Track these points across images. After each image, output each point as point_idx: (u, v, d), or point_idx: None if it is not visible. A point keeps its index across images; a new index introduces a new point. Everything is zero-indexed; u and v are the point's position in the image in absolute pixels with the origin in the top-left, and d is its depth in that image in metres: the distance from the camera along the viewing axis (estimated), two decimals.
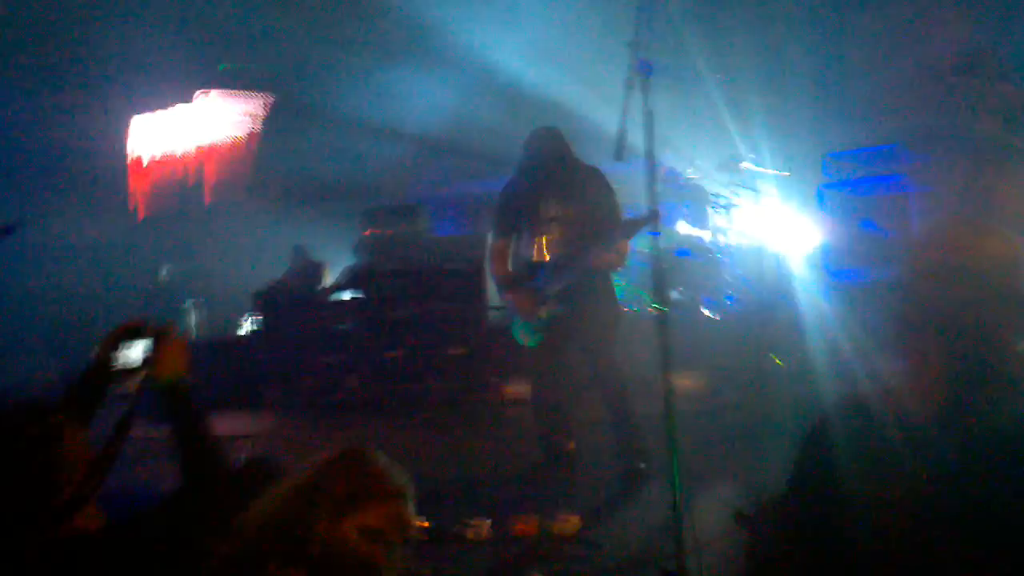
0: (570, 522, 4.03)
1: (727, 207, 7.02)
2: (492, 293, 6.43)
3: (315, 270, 8.47)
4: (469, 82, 8.04)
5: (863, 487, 1.75)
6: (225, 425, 4.64)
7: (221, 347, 7.67)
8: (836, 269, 6.27)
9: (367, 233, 8.03)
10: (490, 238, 5.26)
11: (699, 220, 7.49)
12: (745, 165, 6.93)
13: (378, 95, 8.42)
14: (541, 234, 4.75)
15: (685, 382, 5.59)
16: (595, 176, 4.75)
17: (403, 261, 7.37)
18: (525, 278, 4.76)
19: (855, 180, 6.48)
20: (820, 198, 6.65)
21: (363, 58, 8.48)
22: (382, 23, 8.04)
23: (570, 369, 4.78)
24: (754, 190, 6.87)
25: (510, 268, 4.89)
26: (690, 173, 7.65)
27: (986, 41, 5.75)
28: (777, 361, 5.79)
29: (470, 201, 8.97)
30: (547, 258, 4.71)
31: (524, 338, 4.76)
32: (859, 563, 1.73)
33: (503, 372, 6.32)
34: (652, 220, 3.68)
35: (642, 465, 4.50)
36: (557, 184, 4.72)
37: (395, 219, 8.07)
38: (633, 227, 4.42)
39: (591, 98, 6.48)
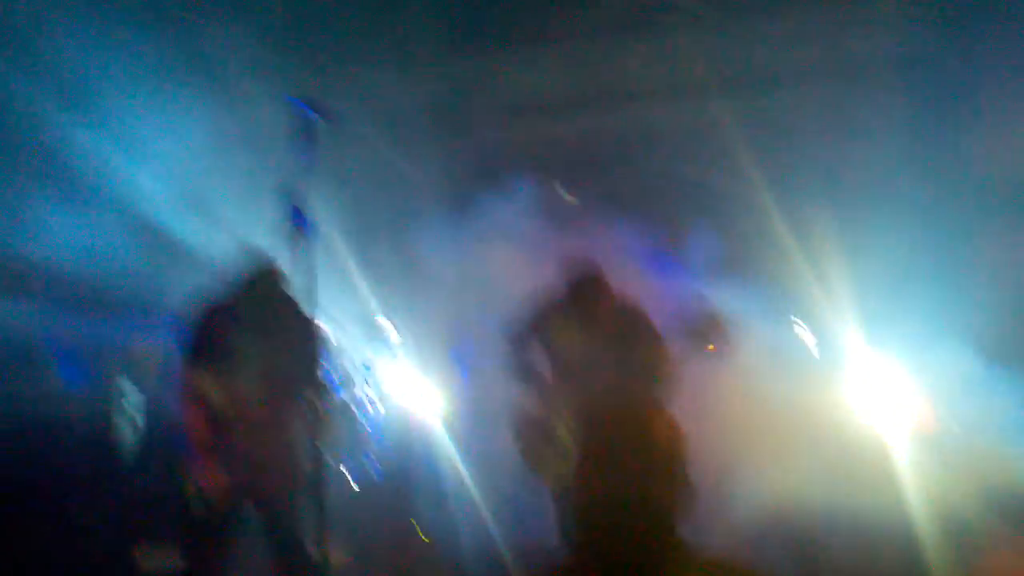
0: None
1: (368, 368, 6.92)
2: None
3: None
4: (103, 219, 7.62)
5: None
6: None
7: None
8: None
9: None
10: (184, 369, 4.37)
11: (339, 378, 7.28)
12: (384, 322, 6.91)
13: None
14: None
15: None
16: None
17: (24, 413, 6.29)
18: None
19: None
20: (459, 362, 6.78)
21: None
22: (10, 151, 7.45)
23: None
24: (391, 350, 6.89)
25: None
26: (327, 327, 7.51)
27: None
28: (418, 530, 5.75)
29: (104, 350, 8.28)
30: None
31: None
32: None
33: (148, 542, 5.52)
34: None
35: None
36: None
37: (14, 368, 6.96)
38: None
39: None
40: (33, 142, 7.21)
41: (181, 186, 6.94)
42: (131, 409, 6.62)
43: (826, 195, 6.90)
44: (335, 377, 6.67)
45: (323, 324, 6.36)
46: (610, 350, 4.36)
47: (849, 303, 6.20)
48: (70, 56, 6.54)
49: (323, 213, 3.97)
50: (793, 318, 6.62)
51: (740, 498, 5.19)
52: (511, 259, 6.02)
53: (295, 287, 3.79)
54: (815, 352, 6.57)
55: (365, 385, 7.27)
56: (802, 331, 6.65)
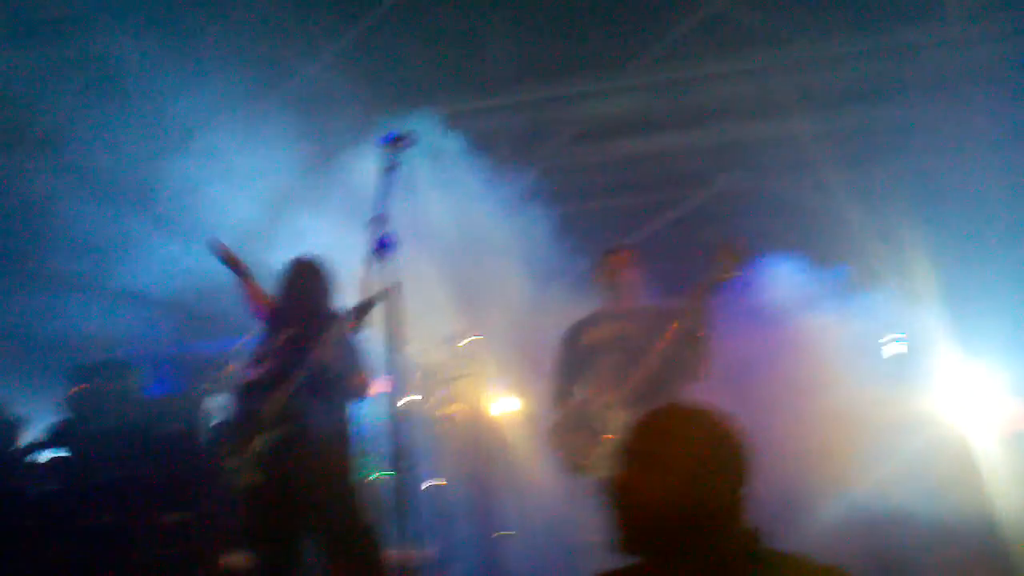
0: None
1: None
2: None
3: (9, 428, 7.65)
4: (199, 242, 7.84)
5: None
6: None
7: None
8: None
9: (74, 390, 7.50)
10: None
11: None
12: (464, 343, 6.96)
13: (92, 249, 7.83)
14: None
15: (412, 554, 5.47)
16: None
17: (113, 419, 6.86)
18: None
19: None
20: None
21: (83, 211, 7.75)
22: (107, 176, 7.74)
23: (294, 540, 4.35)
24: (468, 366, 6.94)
25: None
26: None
27: None
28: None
29: (191, 360, 8.54)
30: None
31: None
32: None
33: (230, 541, 5.69)
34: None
35: None
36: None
37: (106, 375, 7.60)
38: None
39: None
40: (132, 176, 7.58)
41: (271, 213, 7.22)
42: (212, 414, 6.87)
43: (917, 205, 6.86)
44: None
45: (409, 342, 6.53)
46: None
47: (941, 309, 6.16)
48: (162, 92, 6.86)
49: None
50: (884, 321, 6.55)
51: (822, 499, 5.24)
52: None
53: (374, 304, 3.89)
54: (906, 354, 6.49)
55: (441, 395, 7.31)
56: (894, 336, 6.59)
